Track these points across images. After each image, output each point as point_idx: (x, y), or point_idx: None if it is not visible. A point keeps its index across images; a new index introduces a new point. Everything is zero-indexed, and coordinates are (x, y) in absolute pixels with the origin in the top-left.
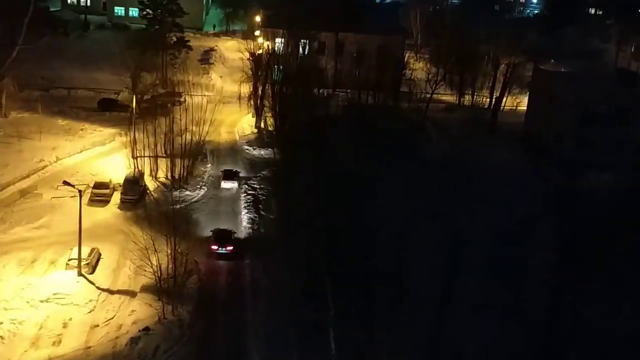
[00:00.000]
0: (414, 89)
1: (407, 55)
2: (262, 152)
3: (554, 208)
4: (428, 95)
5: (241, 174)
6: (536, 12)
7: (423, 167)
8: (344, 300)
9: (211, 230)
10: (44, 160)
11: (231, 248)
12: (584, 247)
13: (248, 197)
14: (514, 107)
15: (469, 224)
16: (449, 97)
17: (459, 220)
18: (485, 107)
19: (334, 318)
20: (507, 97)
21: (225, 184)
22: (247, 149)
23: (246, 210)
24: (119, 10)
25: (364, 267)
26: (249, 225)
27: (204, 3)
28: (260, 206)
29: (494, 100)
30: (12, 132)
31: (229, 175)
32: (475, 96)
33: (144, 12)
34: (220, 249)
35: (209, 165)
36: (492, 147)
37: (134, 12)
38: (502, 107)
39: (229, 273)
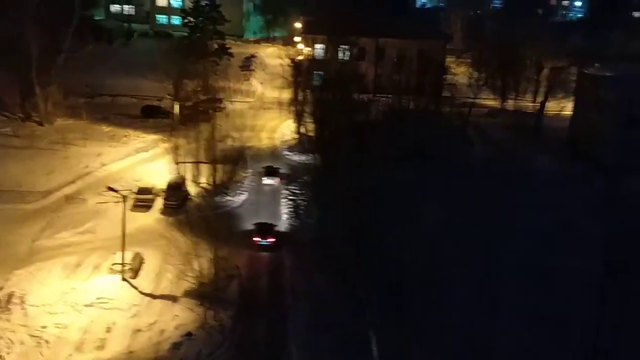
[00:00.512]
0: (456, 93)
1: (448, 59)
2: (303, 157)
3: (600, 213)
4: (470, 100)
5: (282, 179)
6: (579, 15)
7: (465, 173)
8: (383, 305)
9: (253, 224)
10: (88, 167)
11: (273, 240)
12: (630, 254)
13: (289, 202)
14: (558, 112)
15: (511, 230)
16: (491, 102)
17: (501, 226)
18: (529, 112)
19: (374, 323)
20: (550, 101)
21: (267, 180)
22: (288, 155)
23: (287, 216)
24: (162, 19)
25: (402, 272)
26: (290, 231)
27: (245, 10)
28: (300, 211)
29: (537, 104)
30: (58, 138)
31: (271, 172)
32: (518, 101)
33: (186, 20)
34: (262, 240)
35: (249, 171)
36: (536, 152)
37: (176, 20)
38: (545, 112)
39: (269, 265)
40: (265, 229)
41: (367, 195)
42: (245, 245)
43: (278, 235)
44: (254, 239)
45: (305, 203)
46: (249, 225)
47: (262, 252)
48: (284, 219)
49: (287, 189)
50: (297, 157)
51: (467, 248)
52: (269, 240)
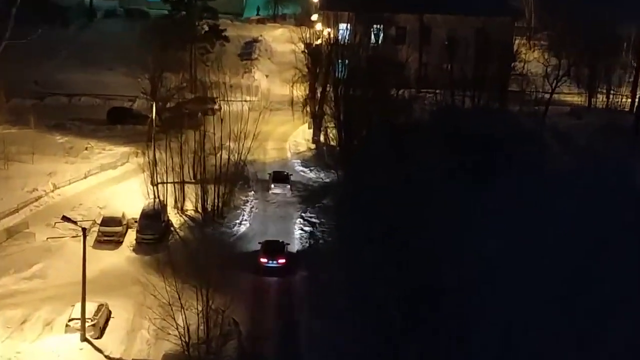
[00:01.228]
0: (527, 87)
1: (517, 42)
2: (322, 174)
3: None
4: (546, 96)
5: (297, 205)
6: None
7: (541, 193)
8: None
9: (260, 242)
10: (37, 190)
11: (283, 261)
12: None
13: (303, 234)
14: None
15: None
16: (575, 98)
17: (592, 272)
18: (626, 110)
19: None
20: None
21: (276, 189)
22: (302, 171)
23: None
24: None
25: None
26: (305, 251)
27: None
28: (319, 244)
29: (637, 99)
30: None
31: (280, 179)
32: (611, 95)
33: None
34: (270, 261)
35: (251, 194)
36: (637, 160)
37: None
38: None
39: (278, 297)
40: (274, 248)
41: (410, 225)
42: (248, 270)
43: (290, 256)
44: (260, 260)
45: (326, 236)
46: (254, 246)
47: (269, 276)
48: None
49: (302, 217)
50: (314, 174)
51: (546, 300)
52: (279, 261)
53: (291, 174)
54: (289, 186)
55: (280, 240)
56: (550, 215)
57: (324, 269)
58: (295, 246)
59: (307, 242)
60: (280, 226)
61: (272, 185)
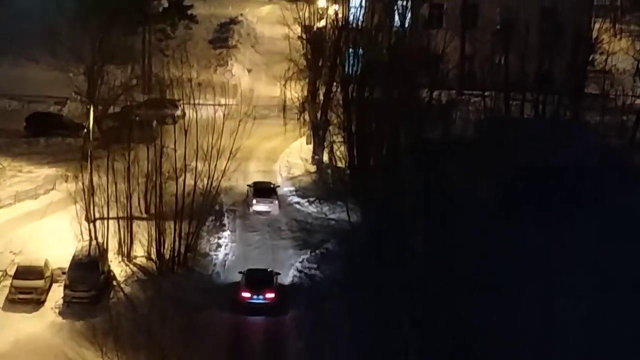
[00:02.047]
0: (612, 89)
1: (597, 27)
2: (325, 208)
3: None
4: (639, 102)
5: (290, 250)
6: None
7: (629, 234)
8: None
9: (241, 272)
10: None
11: (272, 296)
12: None
13: (298, 293)
14: None
15: None
16: None
17: None
18: None
19: None
20: None
21: (258, 206)
22: (298, 203)
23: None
24: None
25: None
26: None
27: None
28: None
29: None
30: None
31: (263, 192)
32: None
33: None
34: (255, 297)
35: (226, 234)
36: None
37: None
38: None
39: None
40: (259, 278)
41: (449, 285)
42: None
43: (280, 290)
44: (242, 294)
45: (331, 291)
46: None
47: (253, 315)
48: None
49: (297, 268)
50: (314, 208)
51: None
52: (266, 296)
53: (278, 185)
54: (275, 201)
55: (268, 269)
56: None
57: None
58: (287, 278)
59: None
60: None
61: (254, 201)
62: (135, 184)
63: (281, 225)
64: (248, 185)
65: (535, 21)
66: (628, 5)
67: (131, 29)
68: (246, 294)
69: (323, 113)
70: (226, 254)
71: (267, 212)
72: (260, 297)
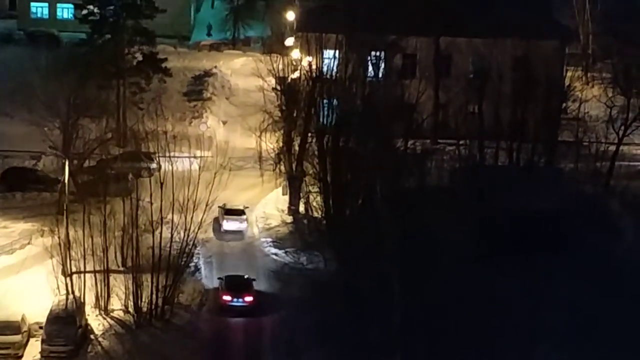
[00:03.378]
0: (585, 136)
1: (569, 75)
2: (302, 258)
3: None
4: (612, 148)
5: (263, 303)
6: None
7: (609, 286)
8: None
9: (219, 278)
10: None
11: (251, 299)
12: None
13: (276, 344)
14: None
15: None
16: None
17: None
18: None
19: None
20: None
21: (229, 224)
22: (275, 254)
23: None
24: (39, 9)
25: None
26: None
27: None
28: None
29: None
30: None
31: (233, 213)
32: None
33: (85, 12)
34: (235, 299)
35: (203, 282)
36: None
37: (65, 11)
38: None
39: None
40: (238, 282)
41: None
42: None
43: (257, 294)
44: (222, 297)
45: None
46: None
47: (234, 317)
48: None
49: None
50: (291, 258)
51: None
52: (245, 299)
53: (247, 207)
54: (245, 222)
55: (245, 276)
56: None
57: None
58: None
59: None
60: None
61: (225, 222)
62: (112, 237)
63: (258, 275)
64: (219, 207)
65: (508, 70)
66: (599, 53)
67: (106, 83)
68: (227, 297)
69: (298, 164)
70: (202, 306)
71: (238, 232)
72: (240, 300)
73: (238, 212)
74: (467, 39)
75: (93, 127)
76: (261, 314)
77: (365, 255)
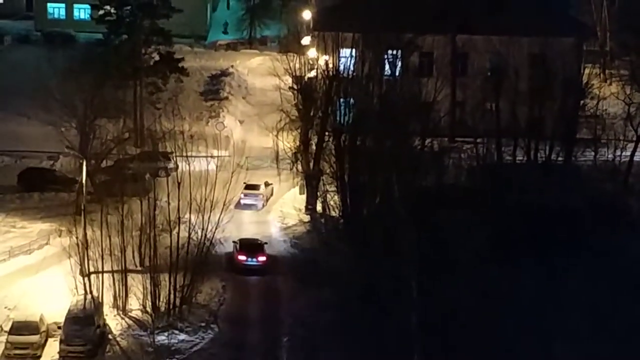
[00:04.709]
0: (603, 134)
1: (587, 72)
2: (320, 255)
3: None
4: (630, 146)
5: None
6: None
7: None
8: None
9: (234, 241)
10: None
11: (264, 259)
12: None
13: (293, 343)
14: None
15: None
16: None
17: None
18: None
19: None
20: None
21: (247, 199)
22: (293, 253)
23: None
24: (56, 10)
25: None
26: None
27: None
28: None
29: None
30: None
31: (250, 187)
32: None
33: (101, 12)
34: (249, 259)
35: (220, 285)
36: None
37: (81, 11)
38: None
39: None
40: (251, 244)
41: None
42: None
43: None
44: (238, 257)
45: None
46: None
47: (248, 275)
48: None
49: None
50: (309, 257)
51: None
52: (258, 259)
53: (271, 183)
54: (261, 196)
55: (258, 240)
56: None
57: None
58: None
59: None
60: (262, 331)
61: (242, 195)
62: (129, 237)
63: (275, 274)
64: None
65: (525, 67)
66: (617, 50)
67: (123, 83)
68: (242, 257)
69: (316, 163)
70: (221, 306)
71: (255, 205)
72: (254, 259)
73: (254, 187)
74: (483, 36)
75: (110, 127)
76: (274, 273)
77: (383, 254)
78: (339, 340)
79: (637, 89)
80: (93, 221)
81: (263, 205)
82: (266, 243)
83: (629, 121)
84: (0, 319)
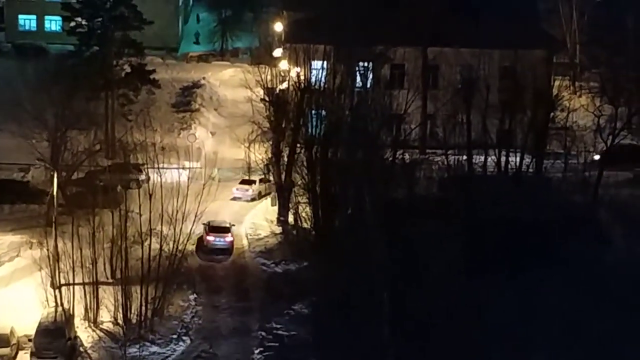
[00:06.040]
0: (573, 145)
1: (557, 84)
2: (291, 268)
3: None
4: (599, 156)
5: (256, 313)
6: None
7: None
8: None
9: (204, 223)
10: None
11: (231, 239)
12: None
13: (265, 355)
14: None
15: None
16: None
17: None
18: None
19: None
20: None
21: (237, 193)
22: (264, 264)
23: None
24: (27, 21)
25: None
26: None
27: (181, 5)
28: None
29: None
30: None
31: (244, 182)
32: None
33: (73, 24)
34: (217, 239)
35: (192, 297)
36: None
37: (53, 23)
38: None
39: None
40: (219, 226)
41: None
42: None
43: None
44: (207, 238)
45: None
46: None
47: (217, 255)
48: None
49: (265, 330)
50: (281, 269)
51: None
52: (225, 239)
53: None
54: (250, 190)
55: (225, 222)
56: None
57: None
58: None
59: None
60: (234, 343)
61: (234, 190)
62: (101, 249)
63: (247, 287)
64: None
65: (496, 80)
66: (587, 63)
67: (94, 95)
68: (210, 238)
69: (287, 174)
70: (193, 318)
71: (246, 196)
72: (222, 240)
73: (248, 182)
74: (454, 49)
75: (81, 139)
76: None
77: (355, 265)
78: (311, 353)
79: (606, 100)
80: (64, 233)
81: (253, 199)
82: (233, 225)
83: (598, 133)
84: None
